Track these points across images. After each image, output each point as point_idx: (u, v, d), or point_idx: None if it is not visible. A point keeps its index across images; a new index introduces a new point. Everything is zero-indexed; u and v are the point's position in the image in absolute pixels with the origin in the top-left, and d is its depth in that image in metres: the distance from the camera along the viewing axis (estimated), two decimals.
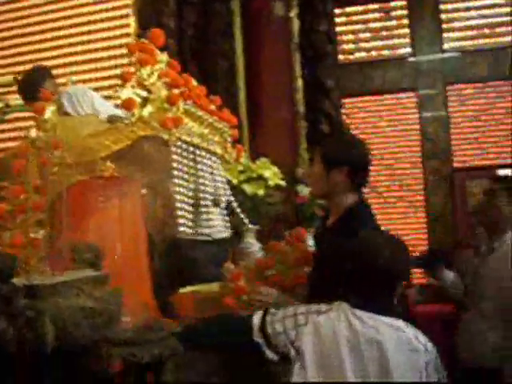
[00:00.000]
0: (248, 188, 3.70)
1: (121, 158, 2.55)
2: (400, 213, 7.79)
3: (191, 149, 2.69)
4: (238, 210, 3.41)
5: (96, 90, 4.58)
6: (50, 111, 2.49)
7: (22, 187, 2.31)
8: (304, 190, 4.07)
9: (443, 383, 1.95)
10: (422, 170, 7.72)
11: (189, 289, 2.89)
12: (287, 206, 4.09)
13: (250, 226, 3.70)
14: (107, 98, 4.59)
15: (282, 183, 3.90)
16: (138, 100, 2.44)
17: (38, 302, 1.60)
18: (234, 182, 3.74)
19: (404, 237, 7.14)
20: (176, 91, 2.59)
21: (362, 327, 1.89)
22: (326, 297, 2.29)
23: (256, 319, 2.08)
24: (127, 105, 2.40)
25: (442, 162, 7.62)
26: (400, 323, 1.95)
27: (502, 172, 7.37)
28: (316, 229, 3.09)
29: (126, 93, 2.42)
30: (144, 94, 2.49)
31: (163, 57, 2.76)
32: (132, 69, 2.63)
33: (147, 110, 2.43)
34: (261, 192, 3.74)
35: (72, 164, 2.38)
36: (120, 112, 3.74)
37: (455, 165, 7.63)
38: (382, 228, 2.69)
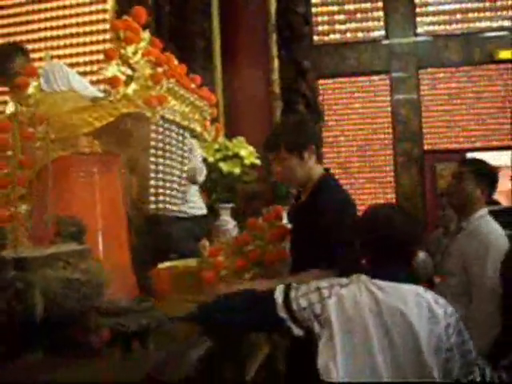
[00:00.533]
0: (224, 166, 3.75)
1: (102, 134, 2.59)
2: (370, 193, 7.93)
3: (172, 127, 2.72)
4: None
5: (72, 66, 4.59)
6: (32, 86, 2.49)
7: (5, 162, 2.33)
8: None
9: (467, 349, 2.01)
10: (392, 151, 7.86)
11: (166, 264, 2.95)
12: (262, 185, 4.15)
13: (226, 204, 3.77)
14: (83, 74, 4.60)
15: (258, 162, 3.96)
16: (123, 78, 2.46)
17: (27, 274, 1.64)
18: (211, 160, 3.79)
19: None
20: (160, 70, 2.62)
21: (384, 296, 1.96)
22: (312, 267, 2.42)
23: (278, 295, 2.08)
24: (112, 82, 2.41)
25: (412, 144, 7.77)
26: (419, 289, 2.02)
27: (470, 155, 7.54)
28: (290, 206, 3.20)
29: (111, 70, 2.43)
30: (128, 71, 2.50)
31: (145, 35, 2.78)
32: (114, 46, 2.64)
33: (132, 88, 2.45)
34: (237, 170, 3.80)
35: (55, 139, 2.40)
36: (95, 90, 3.78)
37: (425, 147, 7.79)
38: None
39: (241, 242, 2.75)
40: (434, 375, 1.91)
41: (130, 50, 2.58)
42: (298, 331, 2.05)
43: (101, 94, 3.77)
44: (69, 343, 1.75)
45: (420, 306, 1.97)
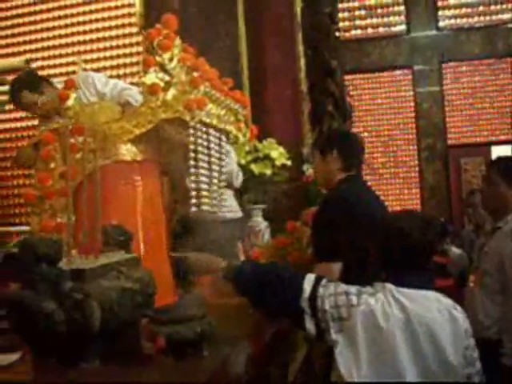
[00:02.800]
0: (255, 168, 3.79)
1: (142, 141, 2.63)
2: (395, 189, 7.92)
3: (209, 130, 2.76)
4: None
5: (98, 70, 4.65)
6: (72, 99, 2.54)
7: (49, 173, 2.39)
8: (310, 170, 4.16)
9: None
10: (416, 146, 7.83)
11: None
12: (293, 185, 4.18)
13: (257, 205, 3.80)
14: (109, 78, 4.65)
15: (289, 163, 3.99)
16: (161, 84, 2.50)
17: (84, 285, 1.69)
18: (242, 162, 3.82)
19: None
20: (195, 74, 2.66)
21: (411, 305, 1.97)
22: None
23: (307, 286, 2.09)
24: (152, 90, 2.46)
25: (436, 138, 7.73)
26: (438, 295, 2.05)
27: (494, 149, 7.49)
28: None
29: (150, 78, 2.48)
30: (166, 78, 2.55)
31: (177, 41, 2.82)
32: (150, 54, 2.68)
33: (171, 94, 2.50)
34: (268, 172, 3.83)
35: (95, 149, 2.44)
36: (123, 84, 3.85)
37: (449, 141, 7.75)
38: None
39: (280, 245, 2.79)
40: (460, 380, 1.95)
41: (166, 56, 2.63)
42: (310, 327, 2.06)
43: (124, 84, 3.87)
44: (124, 351, 1.80)
45: (442, 312, 2.00)
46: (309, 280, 2.11)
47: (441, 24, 7.76)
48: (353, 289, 2.06)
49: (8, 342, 2.23)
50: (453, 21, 7.77)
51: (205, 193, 2.80)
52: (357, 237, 2.55)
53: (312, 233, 2.73)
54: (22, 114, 5.10)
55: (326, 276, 2.20)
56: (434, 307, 1.99)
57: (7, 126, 5.34)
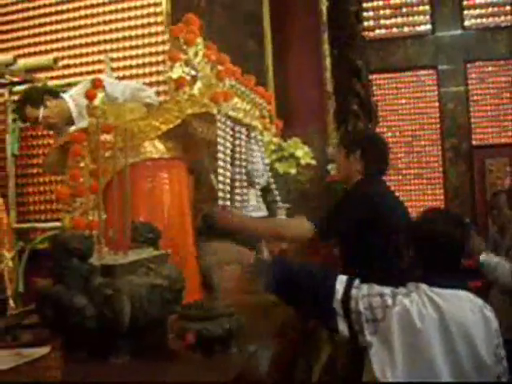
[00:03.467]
0: (280, 167, 3.80)
1: (168, 137, 2.65)
2: (418, 189, 7.88)
3: (235, 126, 2.78)
4: (273, 187, 3.50)
5: (124, 69, 4.68)
6: (99, 98, 2.57)
7: (80, 172, 2.42)
8: (334, 169, 4.16)
9: None
10: (440, 147, 7.78)
11: (228, 266, 3.00)
12: (317, 185, 4.19)
13: (282, 203, 3.80)
14: (135, 76, 4.69)
15: (313, 162, 4.00)
16: (188, 78, 2.52)
17: (115, 281, 1.71)
18: (267, 161, 3.82)
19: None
20: (220, 68, 2.69)
21: (446, 305, 1.97)
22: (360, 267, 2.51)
23: (340, 287, 2.09)
24: (178, 83, 2.48)
25: (460, 139, 7.67)
26: (469, 294, 2.06)
27: None
28: None
29: (176, 72, 2.50)
30: (192, 72, 2.57)
31: (199, 39, 2.84)
32: (175, 49, 2.69)
33: (197, 87, 2.52)
34: (292, 171, 3.84)
35: (123, 147, 2.46)
36: (136, 84, 3.86)
37: (474, 142, 7.68)
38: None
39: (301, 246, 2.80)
40: (492, 379, 1.95)
41: (191, 51, 2.65)
42: (343, 329, 2.06)
43: (136, 84, 3.88)
44: (153, 347, 1.82)
45: (474, 311, 2.01)
46: (341, 281, 2.11)
47: (466, 23, 7.71)
48: (387, 290, 2.06)
49: (37, 336, 2.26)
50: (478, 20, 7.71)
51: (229, 190, 2.82)
52: (379, 236, 2.57)
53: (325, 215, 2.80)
54: None
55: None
56: (466, 307, 1.99)
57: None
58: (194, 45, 2.57)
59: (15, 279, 4.32)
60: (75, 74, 5.20)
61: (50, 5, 5.42)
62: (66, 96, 3.76)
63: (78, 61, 5.28)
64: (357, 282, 2.10)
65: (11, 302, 3.32)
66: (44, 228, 4.62)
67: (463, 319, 1.96)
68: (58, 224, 4.12)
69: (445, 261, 2.08)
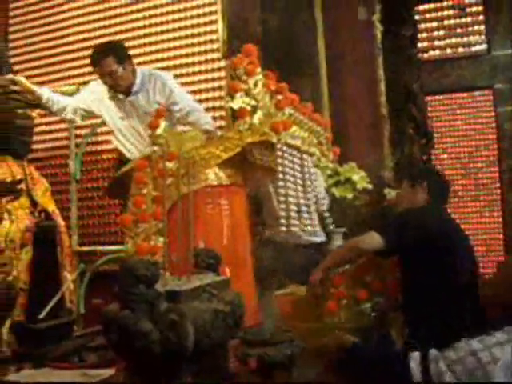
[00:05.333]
0: (336, 192, 3.81)
1: (228, 164, 2.72)
2: (475, 212, 7.73)
3: (294, 152, 2.82)
4: (327, 214, 3.52)
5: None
6: (162, 127, 2.66)
7: (143, 198, 2.51)
8: (391, 193, 4.15)
9: None
10: (498, 168, 7.63)
11: (284, 291, 3.03)
12: (373, 209, 4.18)
13: (338, 228, 3.81)
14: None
15: (369, 186, 4.00)
16: (248, 108, 2.59)
17: (180, 306, 1.76)
18: (323, 186, 3.85)
19: (479, 236, 7.13)
20: (279, 97, 2.74)
21: None
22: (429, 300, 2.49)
23: (414, 366, 1.86)
24: (240, 114, 2.55)
25: None
26: None
27: None
28: None
29: (237, 103, 2.57)
30: (252, 102, 2.63)
31: (258, 68, 2.91)
32: (235, 80, 2.77)
33: (257, 117, 2.59)
34: (349, 195, 3.85)
35: (185, 175, 2.54)
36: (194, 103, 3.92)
37: None
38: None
39: (361, 271, 2.80)
40: None
41: (251, 82, 2.71)
42: None
43: (194, 103, 3.95)
44: (215, 371, 1.86)
45: None
46: (414, 360, 1.87)
47: None
48: (476, 344, 1.82)
49: (102, 358, 2.34)
50: None
51: (289, 215, 2.85)
52: (443, 264, 2.56)
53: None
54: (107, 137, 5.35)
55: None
56: None
57: (93, 148, 5.56)
58: (254, 75, 2.63)
59: (76, 301, 4.46)
60: None
61: (115, 33, 5.63)
62: (139, 71, 3.84)
63: None
64: (433, 354, 1.87)
65: None
66: (105, 251, 4.75)
67: None
68: (118, 247, 4.25)
69: None
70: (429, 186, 3.00)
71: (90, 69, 5.36)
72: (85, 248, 5.05)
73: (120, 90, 3.78)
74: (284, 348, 1.74)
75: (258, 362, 1.72)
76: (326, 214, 3.43)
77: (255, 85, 2.70)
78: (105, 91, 3.88)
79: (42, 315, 3.47)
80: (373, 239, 2.72)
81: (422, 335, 2.52)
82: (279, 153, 2.64)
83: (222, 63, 5.00)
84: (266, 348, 1.73)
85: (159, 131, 2.64)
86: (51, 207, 4.41)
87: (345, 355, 1.95)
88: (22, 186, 4.16)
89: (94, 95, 3.93)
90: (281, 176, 2.67)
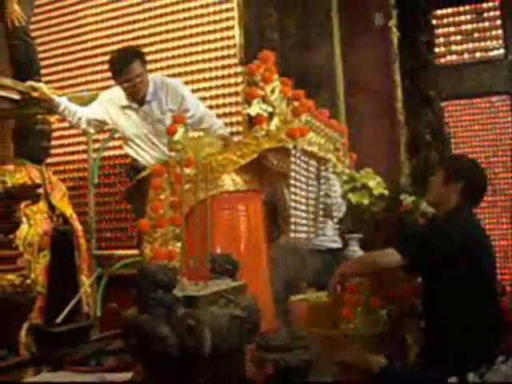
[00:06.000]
0: (353, 197, 3.82)
1: (245, 170, 2.74)
2: (492, 217, 7.67)
3: (309, 159, 2.83)
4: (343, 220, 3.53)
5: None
6: (180, 133, 2.67)
7: (161, 203, 2.53)
8: (407, 199, 4.15)
9: None
10: None
11: (299, 297, 3.03)
12: (390, 215, 4.18)
13: (354, 234, 3.81)
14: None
15: (386, 192, 4.00)
16: (265, 115, 2.60)
17: (197, 311, 1.78)
18: (340, 192, 3.86)
19: (496, 242, 7.07)
20: (296, 104, 2.75)
21: None
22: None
23: None
24: (258, 120, 2.56)
25: None
26: None
27: None
28: None
29: (254, 109, 2.58)
30: (269, 109, 2.64)
31: (276, 75, 2.92)
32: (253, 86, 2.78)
33: (274, 124, 2.60)
34: (365, 201, 3.85)
35: (202, 180, 2.56)
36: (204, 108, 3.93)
37: None
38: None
39: (376, 278, 2.78)
40: None
41: (268, 88, 2.72)
42: None
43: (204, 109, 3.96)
44: (232, 375, 1.87)
45: None
46: None
47: None
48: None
49: (120, 362, 2.37)
50: None
51: (304, 221, 2.86)
52: (467, 277, 2.51)
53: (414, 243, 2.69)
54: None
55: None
56: None
57: (111, 153, 5.60)
58: (271, 82, 2.64)
59: (93, 304, 4.50)
60: None
61: (133, 39, 5.68)
62: (150, 79, 3.87)
63: None
64: (471, 377, 1.91)
65: None
66: (122, 255, 4.78)
67: None
68: (134, 251, 4.28)
69: None
70: (465, 187, 2.68)
71: (103, 75, 5.52)
72: (102, 252, 5.09)
73: (137, 97, 3.80)
74: (300, 354, 1.75)
75: (274, 367, 1.72)
76: (342, 220, 3.43)
77: (272, 91, 2.71)
78: (118, 101, 3.89)
79: (60, 319, 3.52)
80: (391, 257, 2.55)
81: (444, 353, 2.44)
82: (294, 159, 2.64)
83: (239, 69, 5.02)
84: (282, 353, 1.73)
85: (177, 137, 2.65)
86: (69, 211, 4.46)
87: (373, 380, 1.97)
88: (41, 190, 4.21)
89: (107, 105, 3.94)
90: (296, 182, 2.67)
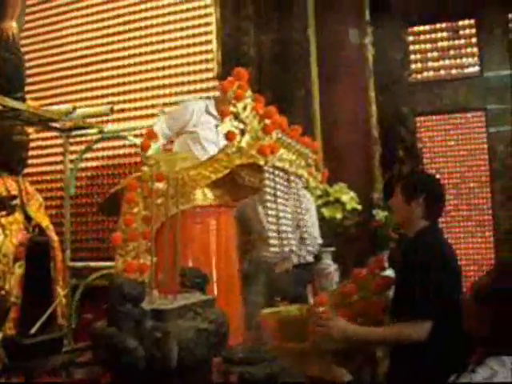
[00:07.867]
0: (326, 212, 3.88)
1: (217, 186, 2.78)
2: (467, 232, 7.77)
3: (281, 174, 2.87)
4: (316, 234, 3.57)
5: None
6: (153, 148, 2.72)
7: (133, 217, 2.56)
8: (380, 214, 4.22)
9: None
10: (490, 189, 7.69)
11: (270, 310, 3.07)
12: (362, 229, 4.24)
13: (327, 248, 3.87)
14: None
15: (359, 207, 4.06)
16: (236, 132, 2.65)
17: (164, 324, 1.82)
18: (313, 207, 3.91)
19: (471, 256, 7.18)
20: (267, 121, 2.80)
21: None
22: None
23: None
24: (228, 137, 2.61)
25: (510, 181, 7.57)
26: None
27: None
28: (391, 251, 3.29)
29: (226, 126, 2.63)
30: (240, 126, 2.69)
31: (248, 92, 2.97)
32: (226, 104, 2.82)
33: (245, 140, 2.65)
34: (339, 216, 3.91)
35: (174, 195, 2.60)
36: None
37: None
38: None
39: (346, 293, 2.82)
40: None
41: (240, 106, 2.78)
42: None
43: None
44: None
45: None
46: None
47: None
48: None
49: (90, 374, 2.39)
50: None
51: (276, 235, 2.90)
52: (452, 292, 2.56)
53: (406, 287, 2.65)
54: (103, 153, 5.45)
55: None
56: None
57: (88, 164, 5.62)
58: (243, 99, 2.69)
59: (67, 315, 4.49)
60: (129, 118, 5.47)
61: (108, 51, 5.73)
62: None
63: (132, 105, 5.56)
64: None
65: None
66: (97, 266, 4.79)
67: None
68: (110, 263, 4.29)
69: None
70: (427, 200, 2.72)
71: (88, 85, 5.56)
72: (78, 263, 5.08)
73: None
74: (265, 367, 1.79)
75: (239, 380, 1.76)
76: (315, 234, 3.48)
77: (244, 108, 2.76)
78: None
79: (34, 330, 3.52)
80: (425, 328, 2.49)
81: (409, 368, 2.51)
82: (267, 174, 2.69)
83: (215, 83, 5.08)
84: (247, 366, 1.78)
85: (150, 152, 2.70)
86: (45, 222, 4.46)
87: None
88: (17, 201, 4.21)
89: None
90: (269, 197, 2.72)
